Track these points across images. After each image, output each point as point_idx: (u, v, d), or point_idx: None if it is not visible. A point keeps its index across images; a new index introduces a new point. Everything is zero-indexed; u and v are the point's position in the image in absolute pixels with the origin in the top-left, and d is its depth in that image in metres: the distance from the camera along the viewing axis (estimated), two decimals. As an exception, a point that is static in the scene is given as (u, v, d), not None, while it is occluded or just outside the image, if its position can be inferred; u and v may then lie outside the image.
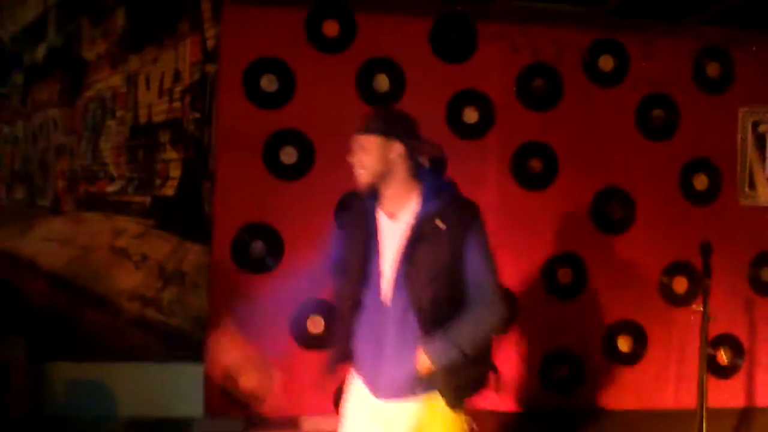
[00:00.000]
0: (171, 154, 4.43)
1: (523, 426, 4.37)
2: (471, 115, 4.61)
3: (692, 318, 3.19)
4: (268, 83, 4.43)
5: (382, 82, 4.53)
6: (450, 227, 2.29)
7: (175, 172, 4.42)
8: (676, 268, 4.79)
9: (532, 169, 4.68)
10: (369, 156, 2.35)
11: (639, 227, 4.76)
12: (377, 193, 2.41)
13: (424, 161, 2.50)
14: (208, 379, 4.37)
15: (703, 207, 4.83)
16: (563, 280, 4.71)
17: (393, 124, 2.38)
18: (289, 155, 4.44)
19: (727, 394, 4.78)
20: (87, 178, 4.40)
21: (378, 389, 2.40)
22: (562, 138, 4.69)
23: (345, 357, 2.51)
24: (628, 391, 4.76)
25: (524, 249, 4.64)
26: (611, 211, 4.75)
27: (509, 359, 4.64)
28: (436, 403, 2.32)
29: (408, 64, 4.53)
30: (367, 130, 2.37)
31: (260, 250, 4.43)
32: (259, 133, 4.40)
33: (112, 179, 4.41)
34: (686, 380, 4.68)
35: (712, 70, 4.86)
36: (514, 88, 4.64)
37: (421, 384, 2.32)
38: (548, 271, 4.69)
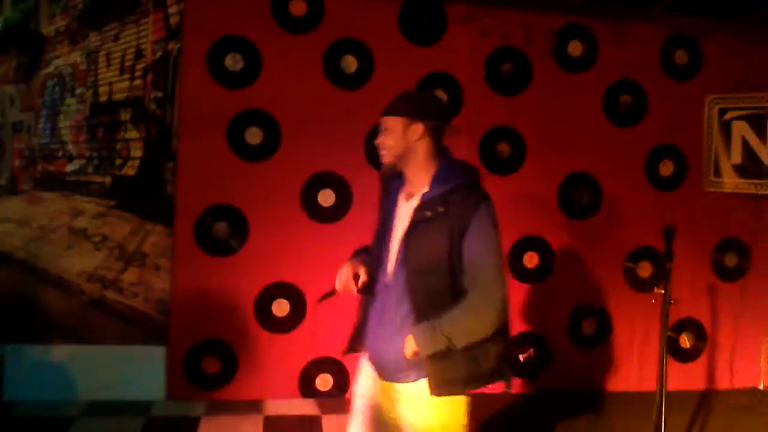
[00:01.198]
0: (132, 133, 4.31)
1: (487, 408, 4.37)
2: (440, 98, 4.57)
3: (654, 301, 3.20)
4: (233, 62, 4.35)
5: (350, 64, 4.47)
6: (452, 213, 2.24)
7: (137, 151, 4.31)
8: (641, 253, 4.84)
9: (500, 153, 4.67)
10: (391, 137, 2.35)
11: (605, 212, 4.78)
12: (402, 173, 2.40)
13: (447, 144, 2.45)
14: (169, 362, 4.31)
15: (669, 193, 4.87)
16: (529, 264, 4.72)
17: (415, 105, 2.37)
18: (254, 136, 4.37)
19: (688, 378, 4.85)
20: (45, 156, 4.27)
21: (379, 369, 2.39)
22: (530, 122, 4.68)
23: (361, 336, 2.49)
24: (592, 374, 4.80)
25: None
26: (578, 196, 4.77)
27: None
28: (422, 390, 2.26)
29: (377, 45, 4.48)
30: (389, 111, 2.38)
31: (224, 231, 4.36)
32: (224, 112, 4.33)
33: (71, 158, 4.29)
34: (649, 363, 4.73)
35: (680, 57, 4.88)
36: (483, 72, 4.61)
37: (410, 369, 2.28)
38: (515, 255, 4.69)
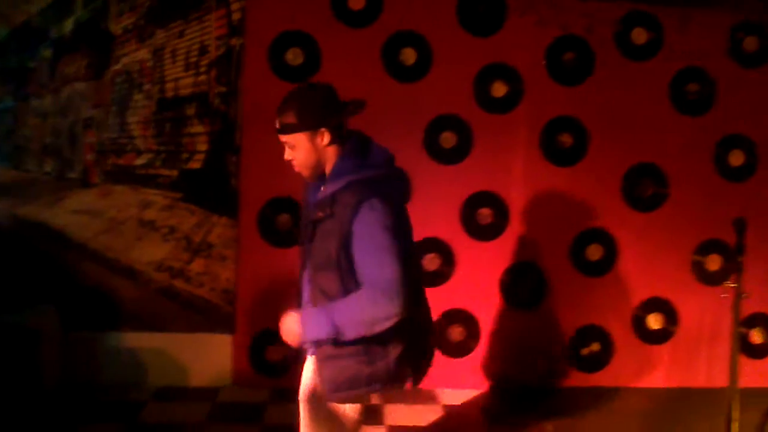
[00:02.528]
0: (197, 127, 4.43)
1: (551, 403, 4.34)
2: (499, 89, 4.53)
3: (724, 295, 3.11)
4: (294, 57, 4.41)
5: (409, 56, 4.47)
6: (337, 214, 2.18)
7: (202, 145, 4.42)
8: (710, 246, 4.69)
9: (562, 144, 4.60)
10: (300, 152, 2.27)
11: (672, 204, 4.66)
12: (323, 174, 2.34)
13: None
14: (235, 349, 4.43)
15: (739, 184, 4.70)
16: (593, 257, 4.64)
17: (310, 112, 2.24)
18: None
19: (759, 374, 4.69)
20: (115, 151, 4.42)
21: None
22: (593, 112, 4.58)
23: None
24: (658, 370, 4.69)
25: (553, 225, 4.59)
26: (643, 188, 4.66)
27: (538, 336, 4.61)
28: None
29: (435, 37, 4.46)
30: (285, 129, 2.26)
31: (286, 223, 4.43)
32: (286, 106, 4.38)
33: (139, 152, 4.43)
34: (718, 359, 4.60)
35: (750, 43, 4.70)
36: (544, 62, 4.54)
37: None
38: (577, 248, 4.62)
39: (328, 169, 2.30)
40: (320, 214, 2.22)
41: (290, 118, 2.23)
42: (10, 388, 3.61)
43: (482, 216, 4.56)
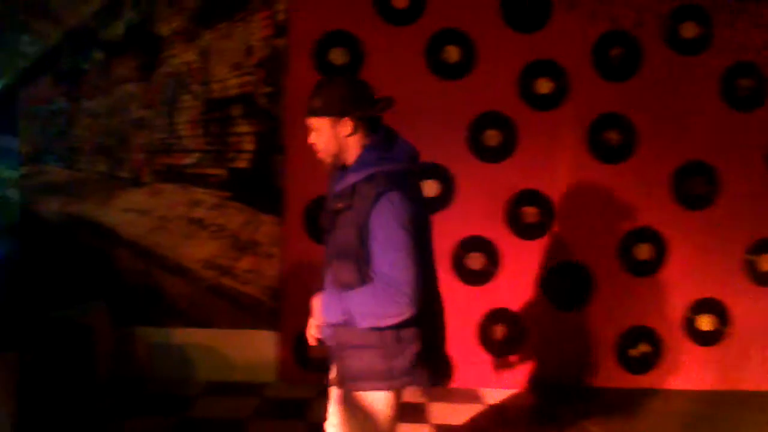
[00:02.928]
0: (244, 127, 4.49)
1: (597, 403, 4.28)
2: (544, 86, 4.48)
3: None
4: (338, 56, 4.43)
5: (452, 54, 4.46)
6: (356, 205, 2.20)
7: (248, 145, 4.49)
8: (763, 245, 4.56)
9: (609, 141, 4.53)
10: (321, 137, 2.31)
11: (723, 202, 4.54)
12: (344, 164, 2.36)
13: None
14: (280, 346, 4.48)
15: (794, 181, 4.57)
16: (641, 256, 4.56)
17: (337, 99, 2.26)
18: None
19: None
20: (164, 150, 4.52)
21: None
22: (642, 109, 4.50)
23: None
24: (709, 372, 4.59)
25: (600, 224, 4.52)
26: (693, 186, 4.55)
27: (583, 336, 4.55)
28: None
29: (479, 34, 4.43)
30: (312, 111, 2.30)
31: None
32: (330, 106, 4.41)
33: (187, 152, 4.52)
34: (772, 362, 4.50)
35: (805, 37, 4.55)
36: (591, 58, 4.48)
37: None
38: (625, 247, 4.54)
39: (350, 159, 2.32)
40: (340, 204, 2.25)
41: (317, 102, 2.28)
42: (65, 381, 3.73)
43: (527, 214, 4.52)
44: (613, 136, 4.52)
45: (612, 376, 4.56)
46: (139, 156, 4.54)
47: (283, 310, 4.49)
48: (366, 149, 2.29)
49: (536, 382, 4.53)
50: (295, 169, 4.44)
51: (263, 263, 4.50)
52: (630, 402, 4.34)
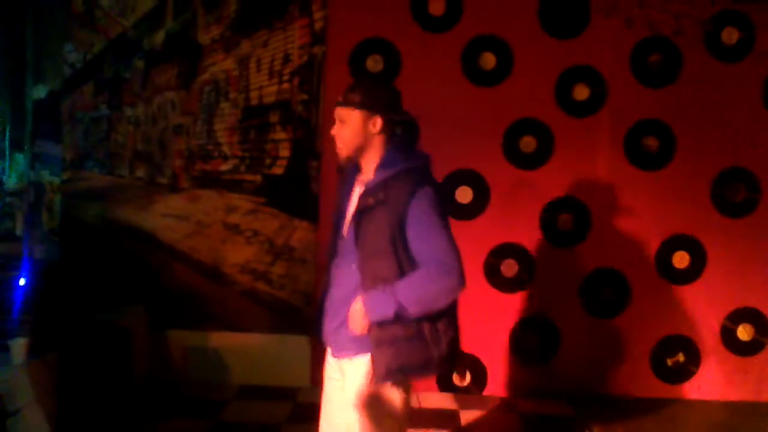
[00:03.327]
0: (280, 134, 4.54)
1: (632, 413, 4.22)
2: (582, 92, 4.45)
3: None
4: (374, 63, 4.46)
5: (489, 60, 4.46)
6: (391, 200, 2.25)
7: (284, 152, 4.54)
8: (806, 254, 4.47)
9: (648, 147, 4.47)
10: (348, 129, 2.35)
11: (764, 210, 4.46)
12: (358, 163, 2.43)
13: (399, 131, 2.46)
14: (314, 351, 4.50)
15: (837, 189, 4.46)
16: (680, 264, 4.49)
17: (374, 97, 2.34)
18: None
19: None
20: (202, 157, 4.59)
21: (329, 345, 2.50)
22: (681, 116, 4.44)
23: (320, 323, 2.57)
24: (748, 382, 4.49)
25: (638, 231, 4.46)
26: (734, 193, 4.48)
27: (619, 344, 4.49)
28: (362, 370, 2.32)
29: (515, 40, 4.43)
30: (347, 102, 2.35)
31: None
32: (365, 112, 4.44)
33: (225, 158, 4.58)
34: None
35: None
36: (629, 64, 4.43)
37: (353, 343, 2.32)
38: (663, 254, 4.48)
39: (367, 158, 2.38)
40: (371, 200, 2.29)
41: (355, 96, 2.34)
42: (104, 382, 3.80)
43: (563, 222, 4.48)
44: (651, 143, 4.47)
45: (648, 386, 4.48)
46: (178, 162, 4.63)
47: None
48: (390, 150, 2.36)
49: (570, 391, 4.47)
50: (330, 176, 4.47)
51: (298, 268, 4.54)
52: (665, 412, 4.27)
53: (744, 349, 4.51)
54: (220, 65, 4.58)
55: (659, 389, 4.49)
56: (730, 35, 4.45)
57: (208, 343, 4.53)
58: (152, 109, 4.63)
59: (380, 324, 2.26)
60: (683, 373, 4.51)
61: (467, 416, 4.13)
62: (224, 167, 4.59)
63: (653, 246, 4.47)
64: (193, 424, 3.93)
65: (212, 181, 4.60)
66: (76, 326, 3.91)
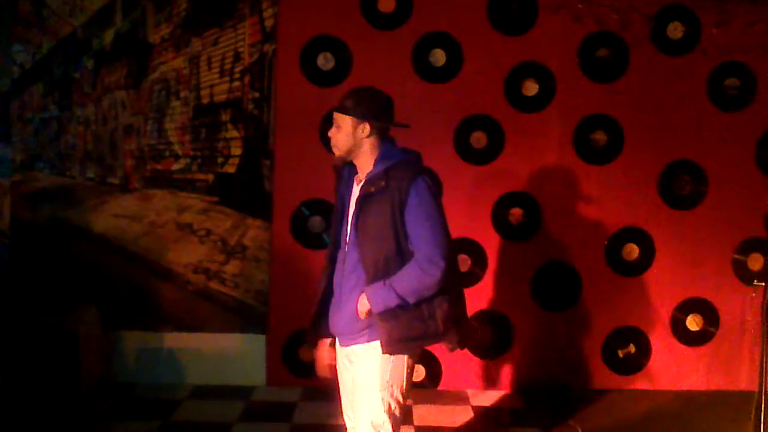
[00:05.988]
0: (232, 132, 4.53)
1: (584, 405, 4.27)
2: (531, 88, 4.50)
3: (755, 294, 3.02)
4: (325, 61, 4.47)
5: (439, 57, 4.49)
6: (392, 186, 2.45)
7: (236, 150, 4.53)
8: (752, 244, 4.56)
9: (596, 142, 4.54)
10: (341, 133, 2.57)
11: (711, 202, 4.55)
12: (352, 162, 2.63)
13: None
14: (269, 350, 4.51)
15: (782, 180, 4.56)
16: (629, 256, 4.56)
17: (363, 105, 2.54)
18: (346, 132, 4.47)
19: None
20: (153, 157, 4.56)
21: (338, 335, 2.66)
22: (628, 110, 4.51)
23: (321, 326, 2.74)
24: (697, 372, 4.58)
25: (588, 225, 4.52)
26: (681, 186, 4.55)
27: (571, 337, 4.55)
28: (373, 351, 2.50)
29: (465, 38, 4.46)
30: (340, 108, 2.57)
31: (319, 225, 4.49)
32: (317, 110, 4.43)
33: (177, 158, 4.56)
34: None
35: (793, 37, 4.55)
36: (577, 59, 4.49)
37: (362, 330, 2.51)
38: (613, 247, 4.54)
39: (360, 159, 2.59)
40: (373, 188, 2.48)
41: (347, 102, 2.57)
42: (50, 387, 3.75)
43: (514, 216, 4.53)
44: (599, 137, 4.53)
45: (599, 377, 4.55)
46: (129, 162, 4.59)
47: (271, 314, 4.51)
48: (386, 145, 2.58)
49: (523, 384, 4.53)
50: (283, 174, 4.48)
51: (251, 267, 4.53)
52: (617, 403, 4.33)
53: (693, 339, 4.59)
54: (171, 64, 4.55)
55: (611, 381, 4.56)
56: (676, 30, 4.52)
57: (162, 343, 4.51)
58: (102, 109, 4.59)
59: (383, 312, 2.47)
60: (634, 364, 4.58)
61: (421, 411, 4.16)
62: (176, 167, 4.56)
63: (603, 238, 4.53)
64: (147, 426, 3.90)
65: (164, 181, 4.57)
66: (21, 329, 3.86)
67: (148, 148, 4.57)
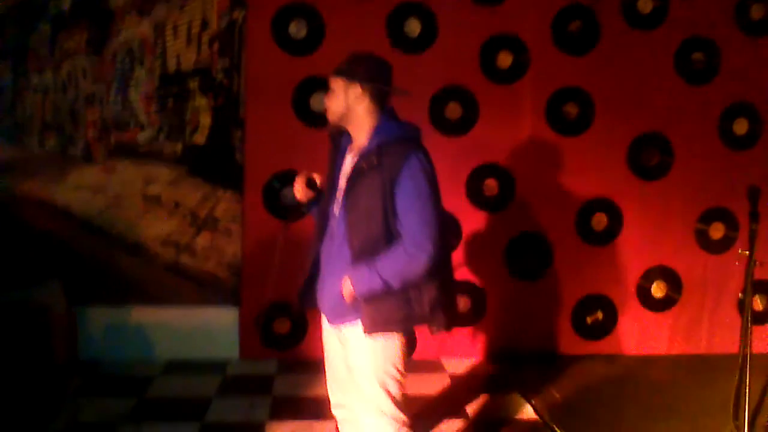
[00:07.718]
0: (201, 102, 4.39)
1: (556, 370, 4.38)
2: (505, 60, 4.50)
3: (737, 263, 3.12)
4: (297, 29, 4.36)
5: (414, 27, 4.43)
6: (385, 163, 2.35)
7: (206, 120, 4.40)
8: (714, 214, 4.71)
9: (568, 114, 4.58)
10: (333, 97, 2.48)
11: (676, 173, 4.66)
12: (347, 131, 2.54)
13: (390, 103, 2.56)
14: (242, 323, 4.44)
15: (744, 152, 4.70)
16: (598, 226, 4.65)
17: (356, 67, 2.46)
18: (318, 102, 4.39)
19: (760, 340, 4.72)
20: (117, 126, 4.39)
21: (326, 314, 2.59)
22: (599, 82, 4.57)
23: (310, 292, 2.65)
24: (661, 337, 4.74)
25: (559, 195, 4.59)
26: (648, 157, 4.66)
27: (542, 305, 4.64)
28: (360, 331, 2.43)
29: (440, 8, 4.42)
30: (334, 71, 2.49)
31: (291, 197, 4.41)
32: (289, 80, 4.35)
33: (142, 128, 4.40)
34: (719, 327, 4.68)
35: (756, 11, 4.67)
36: (550, 32, 4.51)
37: (349, 310, 2.43)
38: (583, 217, 4.63)
39: (354, 127, 2.49)
40: (365, 165, 2.38)
41: (342, 65, 2.48)
42: (21, 364, 3.61)
43: (488, 187, 4.56)
44: (571, 109, 4.58)
45: (569, 343, 4.67)
46: (91, 132, 4.41)
47: (243, 287, 4.44)
48: (383, 119, 2.48)
49: (496, 351, 4.61)
50: (255, 144, 4.38)
51: (223, 240, 4.44)
52: (587, 368, 4.45)
53: (657, 306, 4.74)
54: (134, 30, 4.37)
55: (581, 346, 4.68)
56: (645, 4, 4.58)
57: (131, 318, 4.40)
58: (61, 77, 4.38)
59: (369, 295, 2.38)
60: (602, 330, 4.71)
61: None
62: (141, 137, 4.41)
63: (574, 209, 4.61)
64: (119, 403, 3.80)
65: (129, 152, 4.41)
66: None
67: (112, 118, 4.39)
